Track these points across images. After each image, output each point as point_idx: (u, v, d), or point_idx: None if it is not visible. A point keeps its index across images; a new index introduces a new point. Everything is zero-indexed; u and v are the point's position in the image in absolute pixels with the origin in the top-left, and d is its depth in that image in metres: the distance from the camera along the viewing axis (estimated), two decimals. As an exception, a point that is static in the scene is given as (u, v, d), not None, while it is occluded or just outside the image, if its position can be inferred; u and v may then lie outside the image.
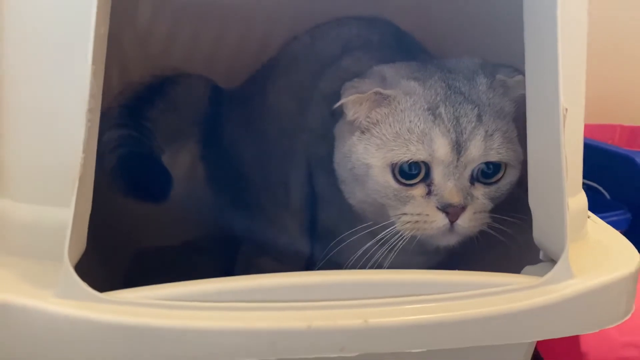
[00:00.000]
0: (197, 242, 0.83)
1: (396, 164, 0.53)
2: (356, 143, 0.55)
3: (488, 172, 0.54)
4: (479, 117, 0.53)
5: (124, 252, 0.80)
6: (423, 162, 0.53)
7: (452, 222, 0.52)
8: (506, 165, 0.54)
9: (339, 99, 0.55)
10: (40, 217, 0.43)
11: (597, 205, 0.56)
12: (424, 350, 0.41)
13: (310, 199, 0.67)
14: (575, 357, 0.66)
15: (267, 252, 0.72)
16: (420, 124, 0.53)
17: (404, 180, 0.53)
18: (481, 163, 0.53)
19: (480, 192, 0.54)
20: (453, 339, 0.42)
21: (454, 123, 0.52)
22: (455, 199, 0.52)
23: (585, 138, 0.52)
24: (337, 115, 0.58)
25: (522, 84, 0.52)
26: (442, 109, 0.53)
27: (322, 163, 0.62)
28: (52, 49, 0.41)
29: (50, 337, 0.38)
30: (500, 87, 0.55)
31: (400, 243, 0.54)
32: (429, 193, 0.53)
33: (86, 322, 0.38)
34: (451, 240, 0.54)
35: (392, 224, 0.54)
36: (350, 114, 0.55)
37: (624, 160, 0.91)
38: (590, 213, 0.55)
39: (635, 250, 0.50)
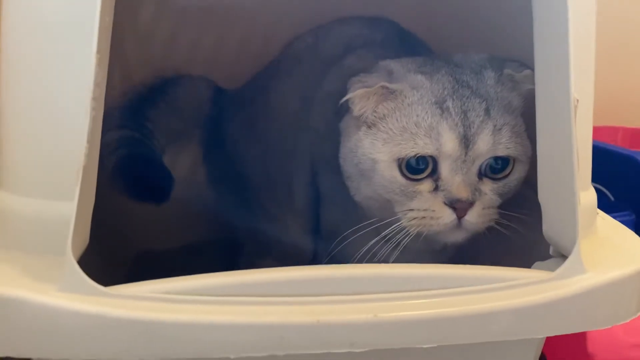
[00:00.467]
0: (199, 244, 0.82)
1: (403, 158, 0.52)
2: (362, 138, 0.55)
3: (496, 167, 0.53)
4: (487, 111, 0.52)
5: (125, 255, 0.79)
6: (430, 156, 0.52)
7: (460, 217, 0.52)
8: (515, 160, 0.54)
9: (343, 97, 0.55)
10: (42, 211, 0.42)
11: (601, 207, 0.56)
12: (435, 345, 0.40)
13: (314, 199, 0.67)
14: (581, 359, 0.65)
15: (270, 253, 0.71)
16: (428, 117, 0.52)
17: (410, 175, 0.53)
18: (489, 158, 0.53)
19: (489, 188, 0.53)
20: (464, 334, 0.41)
21: (462, 117, 0.52)
22: (463, 194, 0.51)
23: (588, 140, 0.52)
24: (343, 111, 0.58)
25: (530, 79, 0.52)
26: (449, 103, 0.52)
27: (326, 162, 0.62)
28: (55, 40, 0.41)
29: (53, 331, 0.37)
30: (509, 81, 0.55)
31: (406, 239, 0.53)
32: (436, 188, 0.52)
33: (90, 316, 0.37)
34: (459, 236, 0.54)
35: (398, 220, 0.53)
36: (356, 108, 0.55)
37: (627, 161, 0.90)
38: (598, 210, 0.55)
39: (646, 246, 0.49)
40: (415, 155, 0.52)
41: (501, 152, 0.52)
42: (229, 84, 0.82)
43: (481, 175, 0.53)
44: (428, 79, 0.54)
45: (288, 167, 0.69)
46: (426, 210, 0.52)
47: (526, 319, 0.42)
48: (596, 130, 0.53)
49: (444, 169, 0.52)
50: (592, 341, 0.65)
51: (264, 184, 0.73)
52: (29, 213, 0.42)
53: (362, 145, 0.55)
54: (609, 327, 0.45)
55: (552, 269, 0.43)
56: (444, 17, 0.73)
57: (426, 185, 0.53)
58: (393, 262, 0.55)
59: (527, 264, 0.47)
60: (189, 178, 0.81)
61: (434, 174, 0.53)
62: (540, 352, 0.50)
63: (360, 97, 0.54)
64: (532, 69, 0.47)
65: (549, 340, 0.50)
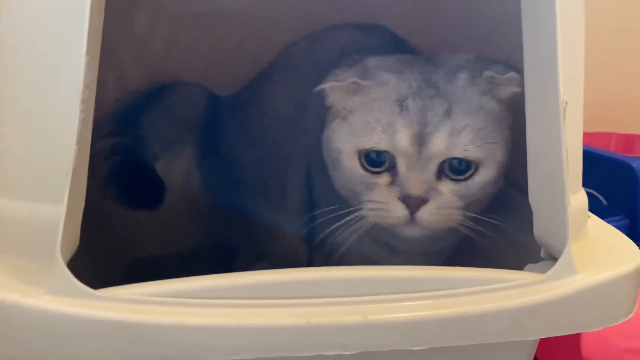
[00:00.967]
0: (194, 250, 0.82)
1: (361, 150, 0.54)
2: (335, 129, 0.57)
3: (459, 169, 0.53)
4: (448, 112, 0.53)
5: (119, 261, 0.79)
6: (387, 151, 0.53)
7: (412, 213, 0.52)
8: (478, 163, 0.54)
9: None
10: (31, 214, 0.42)
11: (594, 212, 0.56)
12: (426, 347, 0.40)
13: (309, 202, 0.67)
14: (576, 364, 0.65)
15: (264, 257, 0.71)
16: (387, 114, 0.54)
17: (370, 168, 0.54)
18: (450, 158, 0.53)
19: (447, 188, 0.53)
20: (455, 337, 0.41)
21: (420, 116, 0.52)
22: (415, 190, 0.52)
23: (581, 145, 0.52)
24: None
25: (514, 81, 0.53)
26: (409, 102, 0.53)
27: (320, 165, 0.62)
28: (45, 43, 0.41)
29: (42, 334, 0.37)
30: (487, 83, 0.55)
31: (362, 229, 0.55)
32: (392, 183, 0.54)
33: (79, 319, 0.37)
34: (414, 232, 0.54)
35: (360, 209, 0.55)
36: (328, 100, 0.58)
37: (620, 166, 0.91)
38: (590, 213, 0.55)
39: (637, 248, 0.49)
40: (371, 149, 0.54)
41: (458, 153, 0.53)
42: (223, 90, 0.82)
43: (440, 174, 0.53)
44: (396, 77, 0.55)
45: (283, 172, 0.69)
46: (381, 202, 0.53)
47: (518, 320, 0.42)
48: (590, 136, 0.53)
49: (401, 165, 0.53)
50: (586, 346, 0.65)
51: (259, 189, 0.73)
52: (17, 216, 0.42)
53: (332, 136, 0.57)
54: (601, 328, 0.44)
55: (544, 271, 0.43)
56: (436, 23, 0.74)
57: (384, 179, 0.54)
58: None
59: (519, 265, 0.47)
60: (183, 183, 0.81)
61: (393, 169, 0.54)
62: (533, 355, 0.50)
63: (331, 90, 0.57)
64: (521, 71, 0.47)
65: (543, 345, 0.50)
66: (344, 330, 0.39)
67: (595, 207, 0.56)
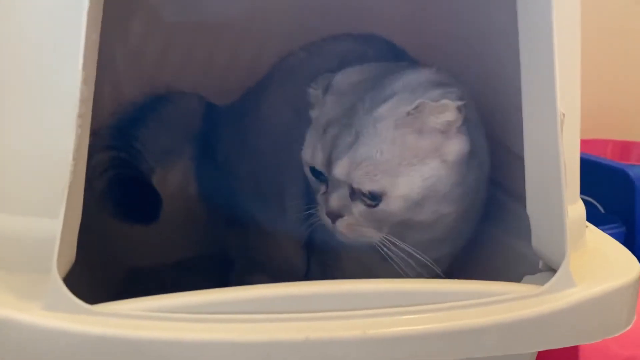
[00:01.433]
0: (190, 261, 0.82)
1: (307, 162, 0.59)
2: (306, 136, 0.61)
3: (366, 195, 0.55)
4: (351, 144, 0.55)
5: (114, 272, 0.79)
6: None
7: (333, 222, 0.57)
8: (380, 194, 0.55)
9: None
10: (27, 229, 0.41)
11: (591, 219, 0.56)
12: (425, 361, 0.40)
13: (306, 212, 0.67)
14: (575, 373, 0.65)
15: (261, 269, 0.71)
16: (318, 135, 0.58)
17: (312, 177, 0.59)
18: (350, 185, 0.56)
19: (358, 209, 0.56)
20: (454, 350, 0.41)
21: (331, 143, 0.56)
22: (331, 206, 0.56)
23: (578, 153, 0.52)
24: None
25: (449, 108, 0.53)
26: (329, 127, 0.57)
27: None
28: (40, 57, 0.41)
29: (37, 350, 0.36)
30: (419, 112, 0.54)
31: (316, 224, 0.60)
32: (324, 193, 0.58)
33: (75, 335, 0.36)
34: (340, 237, 0.58)
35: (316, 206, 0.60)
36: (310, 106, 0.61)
37: (617, 173, 0.91)
38: (587, 223, 0.55)
39: (635, 259, 0.49)
40: (310, 163, 0.58)
41: (355, 184, 0.55)
42: (219, 99, 0.82)
43: (353, 195, 0.56)
44: (333, 100, 0.58)
45: (280, 182, 0.69)
46: (320, 206, 0.58)
47: (517, 333, 0.42)
48: (586, 143, 0.53)
49: (329, 182, 0.57)
50: (584, 354, 0.65)
51: (256, 198, 0.73)
52: (12, 230, 0.41)
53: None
54: (599, 340, 0.44)
55: (542, 283, 0.43)
56: (433, 33, 0.74)
57: (322, 188, 0.58)
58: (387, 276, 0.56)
59: (518, 276, 0.47)
60: (179, 194, 0.81)
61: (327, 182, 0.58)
62: (531, 367, 0.49)
63: (311, 96, 0.61)
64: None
65: (540, 355, 0.50)
66: (342, 345, 0.39)
67: (592, 215, 0.56)
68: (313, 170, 0.59)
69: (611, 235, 0.55)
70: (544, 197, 0.45)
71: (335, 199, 0.56)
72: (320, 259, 0.67)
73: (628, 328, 0.46)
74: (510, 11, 0.46)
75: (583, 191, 0.54)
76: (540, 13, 0.42)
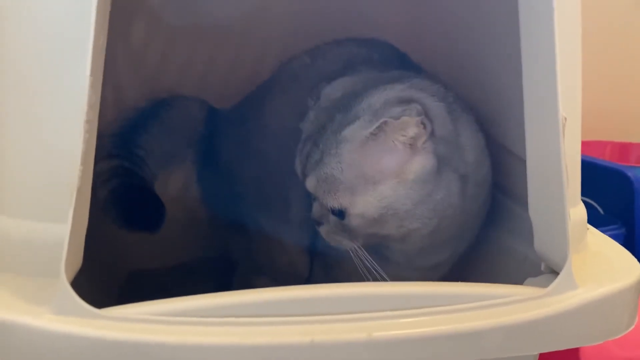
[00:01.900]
0: (193, 263, 0.82)
1: None
2: None
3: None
4: (317, 162, 0.58)
5: (117, 275, 0.79)
6: None
7: (318, 227, 0.61)
8: (343, 209, 0.57)
9: None
10: (35, 234, 0.42)
11: (590, 221, 0.56)
12: (429, 364, 0.40)
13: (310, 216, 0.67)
14: (575, 374, 0.65)
15: (265, 272, 0.71)
16: (299, 149, 0.61)
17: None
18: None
19: (333, 220, 0.59)
20: (457, 352, 0.41)
21: (304, 159, 0.60)
22: (313, 214, 0.61)
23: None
24: None
25: (410, 124, 0.54)
26: (306, 143, 0.60)
27: None
28: (48, 62, 0.41)
29: (46, 354, 0.37)
30: (382, 131, 0.55)
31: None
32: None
33: (83, 339, 0.37)
34: (330, 241, 0.61)
35: None
36: None
37: (617, 175, 0.91)
38: (588, 225, 0.55)
39: (636, 261, 0.50)
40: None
41: (321, 199, 0.58)
42: (221, 103, 0.82)
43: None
44: (314, 117, 0.61)
45: (284, 184, 0.69)
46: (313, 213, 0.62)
47: (520, 335, 0.42)
48: (585, 144, 0.53)
49: None
50: (585, 355, 0.65)
51: (259, 201, 0.73)
52: (21, 235, 0.42)
53: None
54: (601, 342, 0.45)
55: (544, 285, 0.44)
56: (433, 38, 0.74)
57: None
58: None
59: (520, 278, 0.47)
60: (182, 198, 0.81)
61: None
62: (534, 368, 0.50)
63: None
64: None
65: (542, 356, 0.50)
66: (347, 348, 0.39)
67: (592, 216, 0.56)
68: None
69: (611, 236, 0.56)
70: (546, 200, 0.46)
71: (316, 208, 0.60)
72: (323, 261, 0.67)
73: (630, 330, 0.46)
74: (511, 15, 0.47)
75: (582, 193, 0.55)
76: (542, 17, 0.43)
